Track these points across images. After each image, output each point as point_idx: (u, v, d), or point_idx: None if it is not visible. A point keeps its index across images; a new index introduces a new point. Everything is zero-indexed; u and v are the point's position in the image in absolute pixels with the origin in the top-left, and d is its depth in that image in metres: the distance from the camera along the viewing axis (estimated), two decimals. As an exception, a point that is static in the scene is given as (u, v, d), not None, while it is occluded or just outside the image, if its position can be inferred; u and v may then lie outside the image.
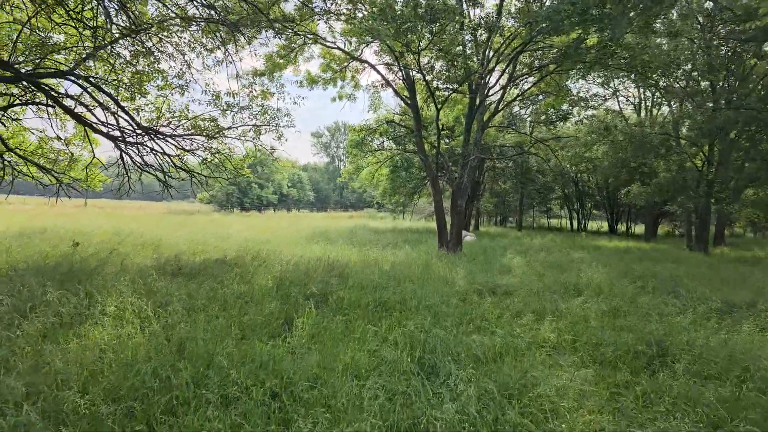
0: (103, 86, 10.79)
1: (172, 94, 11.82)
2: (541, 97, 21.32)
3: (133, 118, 10.73)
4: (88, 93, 10.67)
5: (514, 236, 28.25)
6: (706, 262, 16.13)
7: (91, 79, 10.44)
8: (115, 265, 8.32)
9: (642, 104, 29.82)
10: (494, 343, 5.30)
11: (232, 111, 11.71)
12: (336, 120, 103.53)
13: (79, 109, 10.73)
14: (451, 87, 15.40)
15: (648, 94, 29.20)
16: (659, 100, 28.33)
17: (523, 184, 30.99)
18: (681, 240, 34.74)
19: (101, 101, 10.78)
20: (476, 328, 6.01)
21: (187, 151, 11.39)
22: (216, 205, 56.83)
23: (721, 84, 20.51)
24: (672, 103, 24.20)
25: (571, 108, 23.71)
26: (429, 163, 16.13)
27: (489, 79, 16.97)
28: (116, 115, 10.65)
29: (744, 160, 21.38)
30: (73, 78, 9.73)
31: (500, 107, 17.18)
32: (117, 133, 10.74)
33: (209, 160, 11.71)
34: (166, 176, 11.80)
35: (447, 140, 24.43)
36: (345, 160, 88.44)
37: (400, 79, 16.85)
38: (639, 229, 45.50)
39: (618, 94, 30.24)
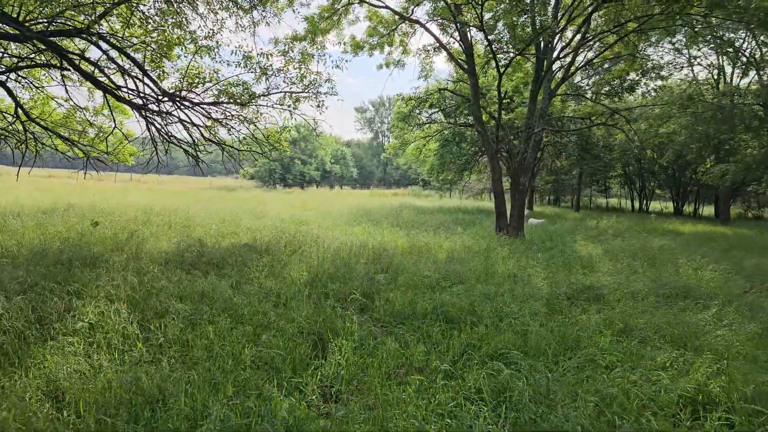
0: (126, 49, 9.61)
1: (201, 57, 10.49)
2: (607, 65, 18.67)
3: (156, 84, 9.50)
4: (109, 56, 9.50)
5: (574, 218, 25.79)
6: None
7: (111, 40, 9.27)
8: (129, 252, 7.17)
9: (721, 73, 25.96)
10: (629, 396, 3.45)
11: (265, 75, 10.27)
12: (381, 94, 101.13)
13: (101, 76, 9.66)
14: (515, 48, 13.31)
15: (728, 61, 25.39)
16: (743, 67, 24.48)
17: (585, 161, 28.20)
18: (759, 223, 31.01)
19: (123, 65, 9.62)
20: (589, 365, 4.10)
21: (217, 120, 10.10)
22: (258, 181, 56.70)
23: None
24: (763, 70, 20.75)
25: (640, 77, 20.91)
26: (488, 137, 14.19)
27: (557, 41, 14.75)
28: (138, 81, 9.45)
29: None
30: (87, 37, 8.55)
31: (569, 73, 14.89)
32: (140, 102, 9.57)
33: (240, 130, 10.38)
34: (197, 149, 10.61)
35: (504, 112, 22.20)
36: (389, 136, 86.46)
37: (455, 41, 14.87)
38: (707, 210, 41.57)
39: (695, 61, 26.63)
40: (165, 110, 9.67)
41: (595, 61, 17.09)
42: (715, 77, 25.96)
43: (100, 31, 9.14)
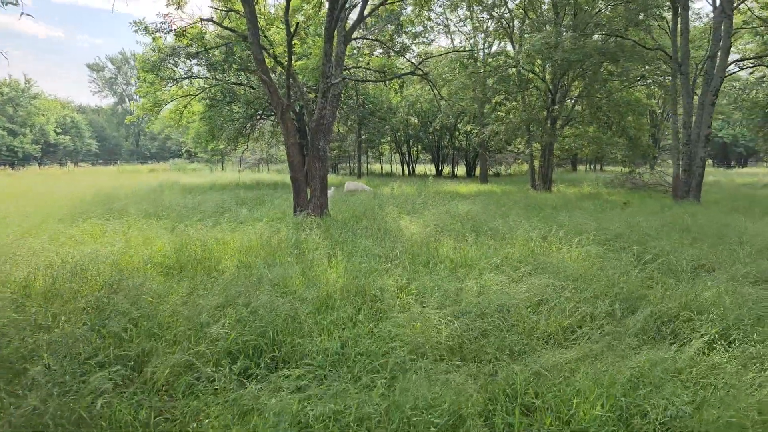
0: None
1: None
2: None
3: None
4: None
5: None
6: (578, 203, 14.41)
7: None
8: None
9: (474, 39, 27.95)
10: None
11: None
12: (122, 48, 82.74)
13: None
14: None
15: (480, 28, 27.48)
16: (495, 35, 26.59)
17: (372, 124, 27.13)
18: (505, 178, 36.00)
19: None
20: None
21: None
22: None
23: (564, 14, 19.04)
24: (513, 38, 22.60)
25: (411, 41, 20.63)
26: (275, 87, 10.61)
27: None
28: None
29: (576, 99, 20.93)
30: None
31: (366, 13, 12.43)
32: None
33: None
34: None
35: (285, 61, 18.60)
36: (138, 96, 72.29)
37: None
38: (460, 170, 46.88)
39: (455, 28, 28.14)
40: None
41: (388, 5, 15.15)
42: (471, 44, 27.72)
43: None
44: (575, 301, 4.44)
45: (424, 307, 4.12)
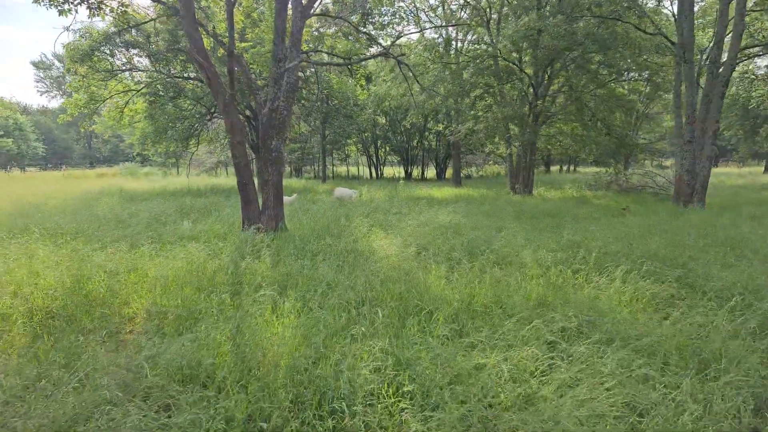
0: None
1: None
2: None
3: None
4: None
5: (326, 190, 22.48)
6: (572, 210, 12.93)
7: None
8: None
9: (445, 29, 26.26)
10: None
11: None
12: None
13: None
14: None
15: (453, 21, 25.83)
16: (470, 24, 24.94)
17: (337, 122, 25.13)
18: (477, 181, 34.53)
19: None
20: None
21: None
22: None
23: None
24: (490, 27, 21.04)
25: (378, 32, 19.04)
26: (216, 74, 8.62)
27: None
28: None
29: (556, 93, 19.54)
30: None
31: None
32: None
33: None
34: None
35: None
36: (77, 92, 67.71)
37: None
38: (430, 173, 45.01)
39: (428, 18, 26.48)
40: None
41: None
42: (443, 36, 26.04)
43: None
44: (685, 404, 2.75)
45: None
